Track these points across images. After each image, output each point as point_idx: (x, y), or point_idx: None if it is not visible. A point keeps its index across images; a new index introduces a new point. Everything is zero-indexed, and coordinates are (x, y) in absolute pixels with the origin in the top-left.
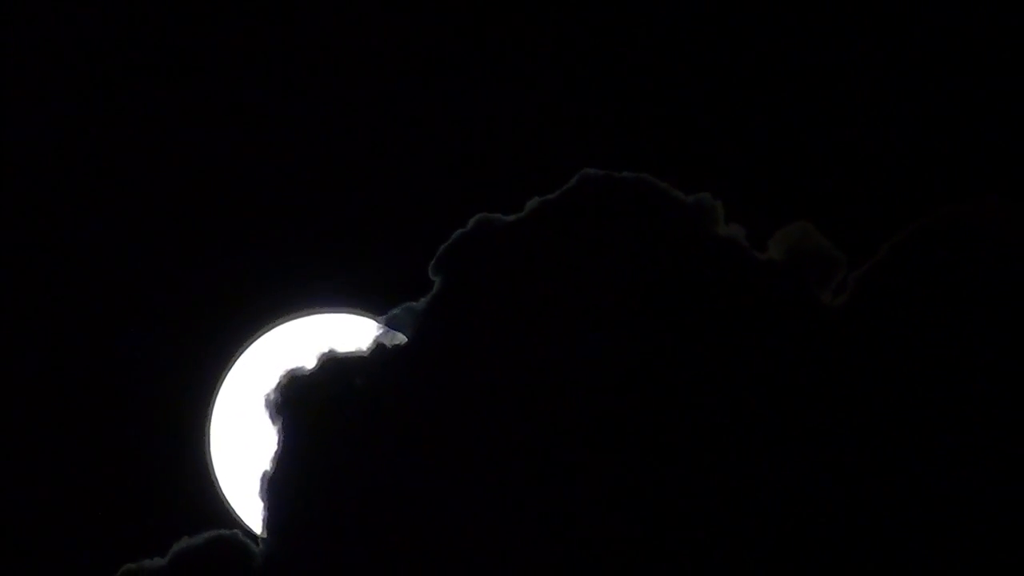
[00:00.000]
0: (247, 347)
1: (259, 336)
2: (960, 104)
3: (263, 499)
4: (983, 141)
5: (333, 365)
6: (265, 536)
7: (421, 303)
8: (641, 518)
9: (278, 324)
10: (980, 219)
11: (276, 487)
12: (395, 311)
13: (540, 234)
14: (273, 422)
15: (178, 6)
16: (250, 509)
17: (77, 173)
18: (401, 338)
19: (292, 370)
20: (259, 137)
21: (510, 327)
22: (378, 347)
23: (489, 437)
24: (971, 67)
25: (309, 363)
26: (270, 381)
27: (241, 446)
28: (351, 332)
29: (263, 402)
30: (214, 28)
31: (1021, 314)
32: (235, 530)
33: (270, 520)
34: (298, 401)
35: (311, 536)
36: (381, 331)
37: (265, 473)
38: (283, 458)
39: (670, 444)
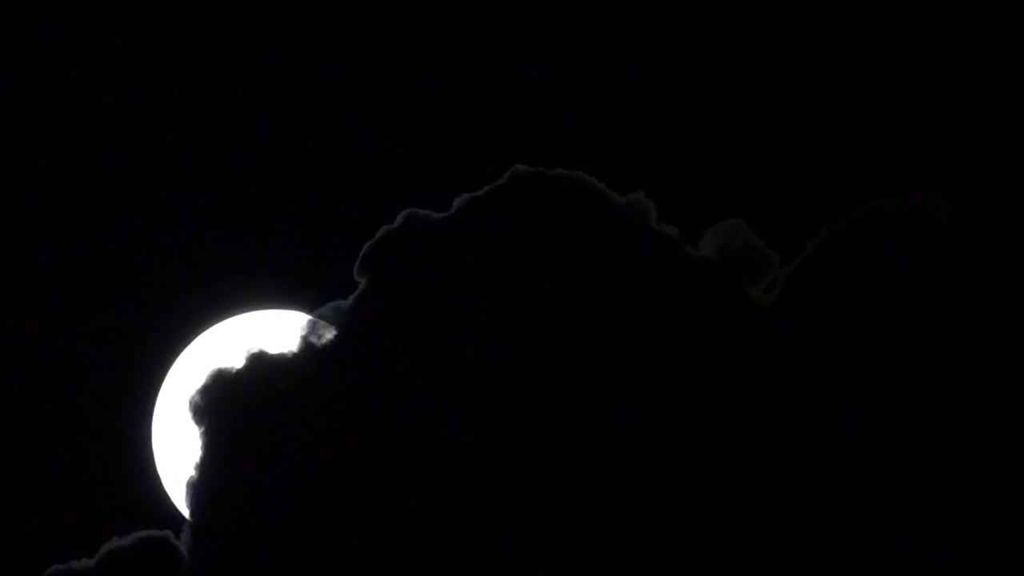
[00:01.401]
0: (189, 344)
1: (200, 334)
2: (888, 104)
3: (187, 504)
4: (911, 139)
5: (258, 367)
6: (191, 539)
7: (349, 300)
8: (568, 512)
9: (218, 322)
10: (909, 215)
11: (200, 491)
12: (323, 309)
13: (470, 231)
14: (197, 425)
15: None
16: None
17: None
18: (328, 336)
19: (216, 373)
20: (193, 144)
21: (436, 325)
22: (305, 347)
23: (411, 436)
24: (897, 69)
25: (237, 364)
26: (199, 382)
27: (184, 443)
28: (288, 329)
29: (188, 406)
30: (172, 34)
31: (949, 306)
32: (166, 531)
33: (195, 523)
34: (222, 405)
35: (235, 538)
36: (308, 330)
37: (190, 479)
38: (207, 462)
39: (600, 437)
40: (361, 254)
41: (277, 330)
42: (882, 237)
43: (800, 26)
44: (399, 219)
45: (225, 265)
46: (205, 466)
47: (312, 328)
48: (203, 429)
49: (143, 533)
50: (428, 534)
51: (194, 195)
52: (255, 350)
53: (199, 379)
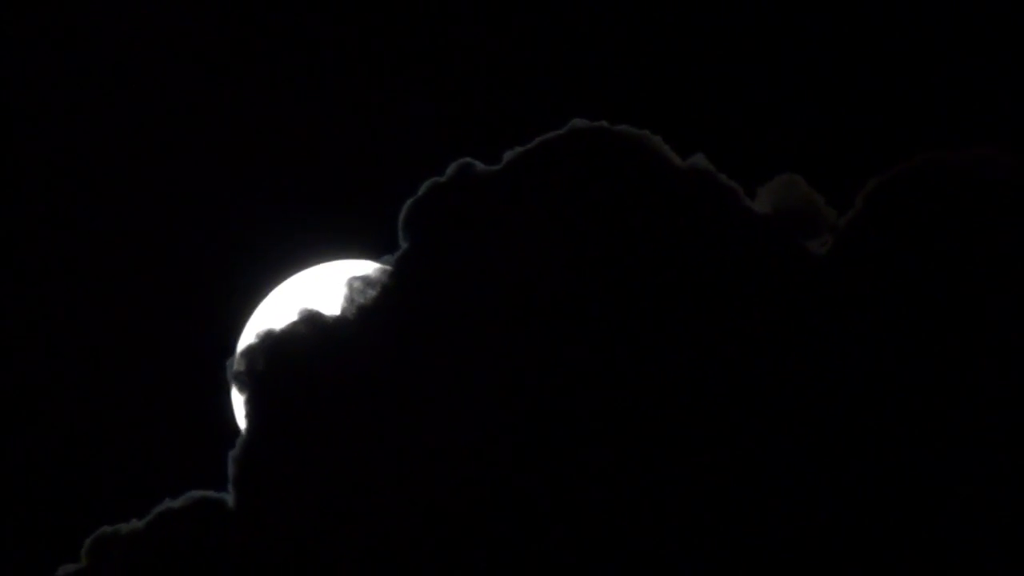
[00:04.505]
0: (267, 295)
1: (274, 288)
2: (958, 54)
3: (231, 478)
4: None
5: (302, 329)
6: (234, 510)
7: (396, 255)
8: (617, 480)
9: (292, 275)
10: (967, 168)
11: (241, 464)
12: (383, 259)
13: (525, 185)
14: (240, 392)
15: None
16: None
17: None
18: (373, 295)
19: (261, 336)
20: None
21: (487, 281)
22: (349, 308)
23: (452, 404)
24: (947, 24)
25: (280, 325)
26: (242, 345)
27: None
28: (345, 282)
29: (228, 372)
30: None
31: (1004, 259)
32: (223, 493)
33: (238, 497)
34: (266, 371)
35: (281, 510)
36: (353, 289)
37: (234, 455)
38: (252, 434)
39: (657, 397)
40: (404, 210)
41: (339, 285)
42: (937, 190)
43: None
44: (449, 171)
45: (312, 215)
46: (252, 438)
47: (359, 287)
48: (247, 397)
49: (197, 494)
50: (470, 507)
51: (287, 146)
52: (302, 310)
53: (245, 342)
